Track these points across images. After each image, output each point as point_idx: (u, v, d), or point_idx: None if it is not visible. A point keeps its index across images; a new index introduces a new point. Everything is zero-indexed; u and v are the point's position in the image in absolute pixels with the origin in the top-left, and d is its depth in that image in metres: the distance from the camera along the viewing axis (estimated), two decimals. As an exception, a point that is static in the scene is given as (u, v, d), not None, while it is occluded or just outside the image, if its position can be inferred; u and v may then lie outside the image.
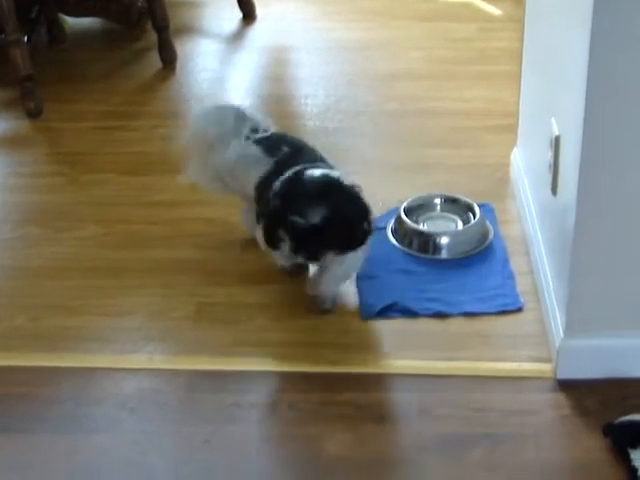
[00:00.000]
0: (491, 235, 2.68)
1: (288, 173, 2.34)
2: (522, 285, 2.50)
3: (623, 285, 2.13)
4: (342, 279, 2.44)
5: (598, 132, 1.97)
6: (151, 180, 3.04)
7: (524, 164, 2.79)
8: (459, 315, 2.42)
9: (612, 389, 2.16)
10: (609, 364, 2.18)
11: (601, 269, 2.11)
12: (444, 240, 2.63)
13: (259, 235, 2.33)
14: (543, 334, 2.33)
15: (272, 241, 2.29)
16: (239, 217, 2.67)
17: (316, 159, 2.44)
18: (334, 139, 3.20)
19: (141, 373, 2.30)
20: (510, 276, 2.53)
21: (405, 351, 2.34)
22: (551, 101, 2.34)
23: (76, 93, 3.59)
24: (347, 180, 2.32)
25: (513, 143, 2.94)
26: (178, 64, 3.78)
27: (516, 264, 2.57)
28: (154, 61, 3.78)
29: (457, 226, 2.71)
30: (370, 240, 2.36)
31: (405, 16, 4.05)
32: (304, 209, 2.22)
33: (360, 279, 2.52)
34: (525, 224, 2.65)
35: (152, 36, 3.82)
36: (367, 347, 2.36)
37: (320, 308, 2.43)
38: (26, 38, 3.47)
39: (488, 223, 2.71)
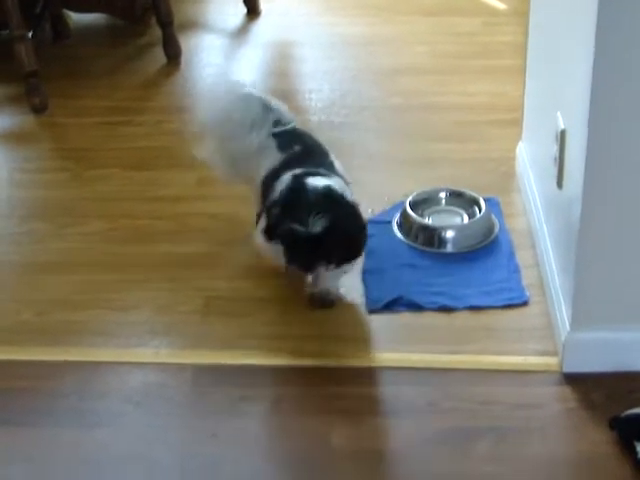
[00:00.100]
0: (496, 229, 2.67)
1: (288, 176, 2.36)
2: (528, 278, 2.50)
3: (629, 278, 2.12)
4: (341, 275, 2.43)
5: (604, 125, 1.96)
6: (155, 175, 3.04)
7: (529, 158, 2.79)
8: (465, 309, 2.42)
9: (618, 382, 2.16)
10: (615, 357, 2.18)
11: (607, 262, 2.11)
12: (449, 234, 2.63)
13: (258, 236, 2.34)
14: (549, 327, 2.32)
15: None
16: (243, 212, 2.67)
17: (323, 164, 2.44)
18: (339, 134, 3.20)
19: (147, 367, 2.31)
20: (516, 270, 2.53)
21: (411, 345, 2.33)
22: (556, 95, 2.34)
23: (81, 89, 3.60)
24: (347, 193, 2.34)
25: (518, 137, 2.93)
26: (182, 59, 3.78)
27: (522, 257, 2.57)
28: (158, 56, 3.78)
29: (462, 220, 2.71)
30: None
31: (409, 11, 4.04)
32: (305, 218, 2.22)
33: (366, 273, 2.52)
34: (531, 217, 2.65)
35: (156, 31, 3.82)
36: (373, 341, 2.36)
37: (322, 302, 2.43)
38: (30, 34, 3.47)
39: (493, 217, 2.71)
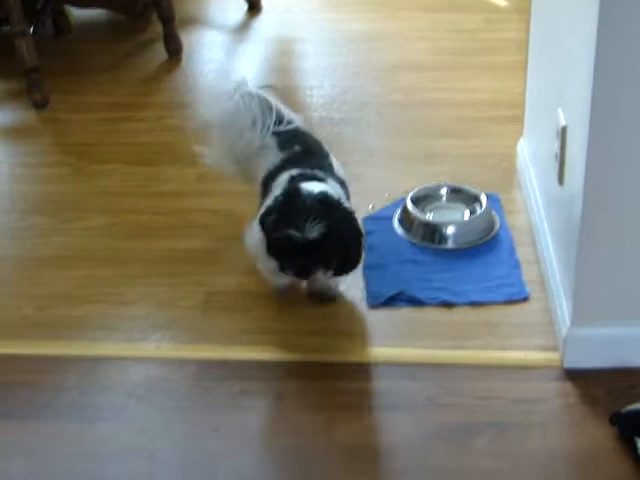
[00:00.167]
0: (497, 225, 2.68)
1: (285, 177, 2.35)
2: (528, 275, 2.50)
3: (630, 274, 2.13)
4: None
5: (605, 122, 1.97)
6: (156, 171, 3.05)
7: (530, 154, 2.79)
8: (465, 304, 2.43)
9: (619, 378, 2.16)
10: (616, 353, 2.18)
11: (607, 258, 2.11)
12: (450, 230, 2.63)
13: (251, 242, 2.34)
14: (549, 323, 2.33)
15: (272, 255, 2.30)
16: (244, 208, 2.67)
17: (321, 165, 2.43)
18: (340, 130, 3.21)
19: (148, 361, 2.31)
20: (516, 266, 2.54)
21: (411, 340, 2.34)
22: (558, 91, 2.34)
23: (82, 84, 3.60)
24: (343, 199, 2.33)
25: (519, 133, 2.93)
26: (184, 55, 3.78)
27: (522, 254, 2.58)
28: (159, 52, 3.78)
29: (463, 216, 2.71)
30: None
31: (410, 7, 4.04)
32: (301, 224, 2.20)
33: (366, 268, 2.53)
34: (531, 214, 2.65)
35: (157, 27, 3.82)
36: (374, 336, 2.36)
37: (322, 298, 2.43)
38: (32, 29, 3.47)
39: (494, 213, 2.71)
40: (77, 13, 4.06)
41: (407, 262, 2.58)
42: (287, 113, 2.59)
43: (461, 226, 2.65)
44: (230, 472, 2.03)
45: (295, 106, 3.30)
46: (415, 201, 2.71)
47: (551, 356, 2.25)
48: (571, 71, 2.14)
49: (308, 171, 2.38)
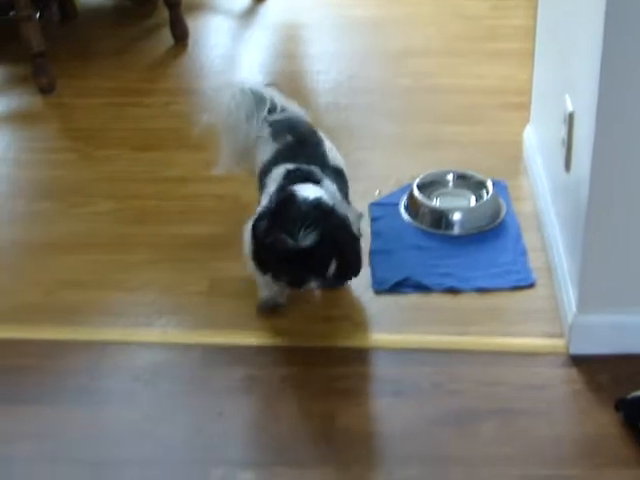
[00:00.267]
0: (504, 212, 2.68)
1: (280, 171, 2.32)
2: (535, 261, 2.50)
3: (636, 261, 2.13)
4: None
5: (612, 108, 1.96)
6: (163, 156, 3.05)
7: (537, 141, 2.79)
8: (472, 290, 2.43)
9: (624, 364, 2.17)
10: (621, 340, 2.18)
11: (614, 245, 2.11)
12: (457, 216, 2.63)
13: (246, 238, 2.32)
14: (555, 310, 2.33)
15: (263, 264, 2.27)
16: (250, 194, 2.67)
17: (315, 156, 2.39)
18: (347, 115, 3.21)
19: (155, 347, 2.32)
20: (523, 252, 2.53)
21: (417, 326, 2.34)
22: (565, 78, 2.33)
23: (88, 69, 3.60)
24: (337, 201, 2.26)
25: (526, 120, 2.93)
26: (190, 41, 3.78)
27: (529, 240, 2.57)
28: (166, 38, 3.78)
29: (470, 202, 2.71)
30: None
31: (417, -8, 4.04)
32: (294, 231, 2.14)
33: (373, 254, 2.53)
34: (538, 201, 2.65)
35: (164, 13, 3.81)
36: (379, 322, 2.36)
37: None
38: (38, 14, 3.47)
39: (501, 200, 2.71)
40: (83, -2, 4.06)
41: (413, 248, 2.58)
42: (281, 102, 2.56)
43: (467, 212, 2.65)
44: (234, 456, 2.03)
45: (302, 91, 3.32)
46: (421, 187, 2.71)
47: (557, 342, 2.25)
48: (578, 57, 2.13)
49: (303, 166, 2.33)
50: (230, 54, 3.75)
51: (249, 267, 2.32)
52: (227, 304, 2.42)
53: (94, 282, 2.52)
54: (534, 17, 2.77)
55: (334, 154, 2.47)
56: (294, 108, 2.58)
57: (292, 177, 2.30)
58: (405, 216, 2.68)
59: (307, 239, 2.14)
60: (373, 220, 2.67)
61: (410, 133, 3.10)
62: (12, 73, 3.63)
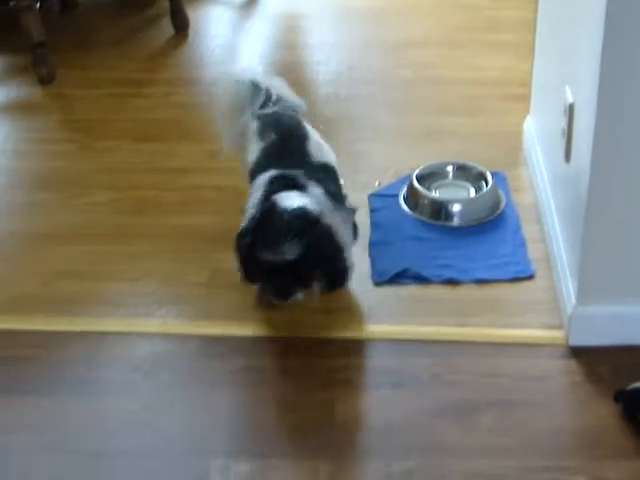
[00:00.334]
0: (503, 203, 2.67)
1: (265, 178, 2.28)
2: (534, 252, 2.50)
3: (636, 252, 2.12)
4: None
5: (612, 99, 1.96)
6: (163, 147, 3.05)
7: (537, 132, 2.78)
8: (471, 282, 2.42)
9: (624, 356, 2.16)
10: (621, 331, 2.18)
11: (614, 236, 2.11)
12: (456, 207, 2.63)
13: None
14: (555, 301, 2.33)
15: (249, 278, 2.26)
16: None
17: (300, 154, 2.36)
18: (346, 106, 3.20)
19: (154, 337, 2.31)
20: (522, 244, 2.53)
21: (416, 317, 2.34)
22: (565, 69, 2.33)
23: (88, 60, 3.60)
24: (325, 210, 2.21)
25: (526, 111, 2.93)
26: (190, 31, 3.78)
27: (528, 232, 2.57)
28: (166, 28, 3.77)
29: (469, 194, 2.71)
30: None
31: (418, -17, 4.04)
32: (278, 245, 2.12)
33: (372, 245, 2.53)
34: (538, 192, 2.65)
35: (164, 3, 3.81)
36: (379, 313, 2.36)
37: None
38: (38, 4, 3.46)
39: (500, 191, 2.71)
40: (83, -12, 4.06)
41: (413, 239, 2.57)
42: (279, 93, 2.52)
43: (467, 204, 2.65)
44: (234, 448, 2.03)
45: (302, 82, 3.31)
46: (421, 178, 2.71)
47: (556, 334, 2.25)
48: (579, 49, 2.13)
49: (287, 173, 2.28)
50: (230, 44, 3.75)
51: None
52: (227, 295, 2.42)
53: (93, 273, 2.51)
54: (535, 8, 2.76)
55: (321, 149, 2.44)
56: (292, 100, 2.54)
57: (276, 185, 2.26)
58: (405, 207, 2.68)
59: (291, 251, 2.12)
60: (373, 211, 2.67)
61: (410, 124, 3.09)
62: (12, 63, 3.63)
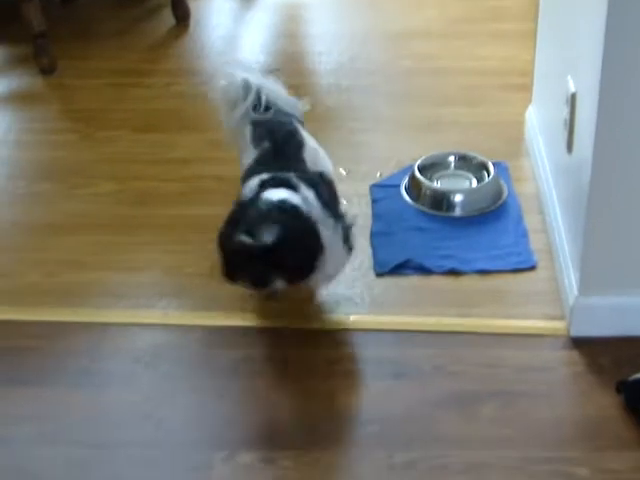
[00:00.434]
0: (505, 193, 2.67)
1: (255, 181, 2.22)
2: (536, 243, 2.49)
3: (638, 242, 2.12)
4: (327, 280, 2.31)
5: (615, 89, 1.95)
6: (164, 137, 3.05)
7: (539, 122, 2.78)
8: (473, 272, 2.42)
9: (625, 347, 2.16)
10: (623, 322, 2.18)
11: (616, 227, 2.10)
12: (458, 198, 2.63)
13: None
14: (557, 292, 2.33)
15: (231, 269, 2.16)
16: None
17: (294, 162, 2.29)
18: (348, 97, 3.20)
19: (155, 328, 2.31)
20: (524, 234, 2.53)
21: (418, 308, 2.34)
22: (567, 59, 2.32)
23: (89, 50, 3.59)
24: (307, 208, 2.15)
25: (528, 101, 2.92)
26: (191, 21, 3.77)
27: (530, 222, 2.57)
28: (167, 18, 3.77)
29: (471, 184, 2.71)
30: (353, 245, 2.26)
31: (420, -27, 4.03)
32: (254, 229, 2.06)
33: (374, 236, 2.53)
34: (539, 182, 2.65)
35: (165, -7, 3.81)
36: (380, 304, 2.36)
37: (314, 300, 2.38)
38: (39, -6, 3.46)
39: (502, 181, 2.70)
40: (84, -22, 4.05)
41: (414, 230, 2.57)
42: (271, 96, 2.44)
43: (469, 194, 2.65)
44: (235, 439, 2.03)
45: (303, 73, 3.31)
46: (423, 169, 2.70)
47: (558, 325, 2.25)
48: (581, 38, 2.13)
49: (279, 175, 2.22)
50: (231, 35, 3.74)
51: None
52: (228, 286, 2.39)
53: (95, 263, 2.51)
54: (536, -2, 2.76)
55: (317, 157, 2.38)
56: (286, 101, 2.47)
57: (266, 187, 2.20)
58: (406, 198, 2.68)
59: (266, 236, 2.05)
60: (374, 202, 2.67)
61: (412, 114, 3.09)
62: (13, 54, 3.63)
